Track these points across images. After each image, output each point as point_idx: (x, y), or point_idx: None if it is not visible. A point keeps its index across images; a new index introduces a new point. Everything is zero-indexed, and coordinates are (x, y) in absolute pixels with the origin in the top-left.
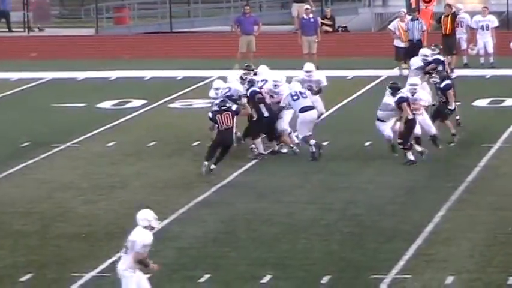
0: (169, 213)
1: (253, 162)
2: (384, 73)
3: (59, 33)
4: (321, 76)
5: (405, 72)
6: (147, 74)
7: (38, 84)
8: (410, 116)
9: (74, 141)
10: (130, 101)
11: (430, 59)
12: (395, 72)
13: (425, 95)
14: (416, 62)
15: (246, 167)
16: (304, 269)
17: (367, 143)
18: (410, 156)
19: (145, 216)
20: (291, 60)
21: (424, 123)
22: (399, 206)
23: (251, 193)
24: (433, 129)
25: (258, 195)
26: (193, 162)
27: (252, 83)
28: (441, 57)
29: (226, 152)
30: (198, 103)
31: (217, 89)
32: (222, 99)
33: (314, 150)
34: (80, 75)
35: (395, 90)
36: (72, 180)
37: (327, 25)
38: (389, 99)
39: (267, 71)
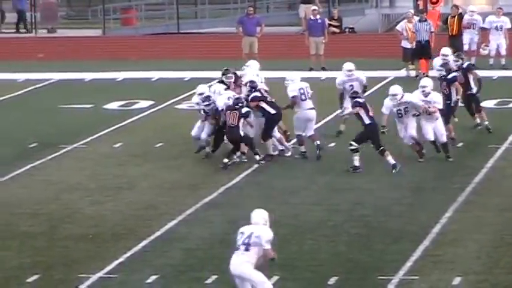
0: (176, 214)
1: (260, 163)
2: (391, 74)
3: (66, 34)
4: (361, 75)
5: (412, 73)
6: (155, 75)
7: (45, 85)
8: (367, 121)
9: (81, 142)
10: (137, 102)
11: (449, 58)
12: (402, 73)
13: (438, 97)
14: (437, 61)
15: (253, 168)
16: (311, 270)
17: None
18: (356, 162)
19: (264, 216)
20: (298, 61)
21: (437, 129)
22: (406, 207)
23: (258, 194)
24: (444, 137)
25: (265, 196)
26: (200, 163)
27: (253, 87)
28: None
29: (237, 148)
30: None
31: (200, 94)
32: (237, 97)
33: (305, 150)
34: (87, 76)
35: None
36: (79, 181)
37: (334, 26)
38: (387, 101)
39: (256, 66)
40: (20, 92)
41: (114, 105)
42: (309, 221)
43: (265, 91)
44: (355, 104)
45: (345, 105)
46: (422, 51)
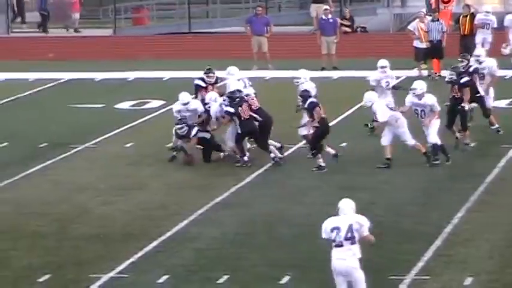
0: (187, 215)
1: (272, 163)
2: (403, 74)
3: (77, 34)
4: (392, 73)
5: (424, 73)
6: (166, 74)
7: (56, 84)
8: (315, 123)
9: (92, 142)
10: (148, 102)
11: (482, 59)
12: (414, 73)
13: (432, 99)
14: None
15: (265, 167)
16: (323, 270)
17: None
18: (321, 162)
19: (353, 205)
20: (310, 61)
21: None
22: (418, 207)
23: (270, 194)
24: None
25: (277, 196)
26: (212, 163)
27: (232, 98)
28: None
29: (261, 139)
30: None
31: (185, 104)
32: (232, 91)
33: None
34: (98, 75)
35: (305, 98)
36: (90, 181)
37: (346, 26)
38: (409, 98)
39: (238, 72)
40: (30, 92)
41: (125, 105)
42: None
43: (252, 98)
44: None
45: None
46: (435, 51)
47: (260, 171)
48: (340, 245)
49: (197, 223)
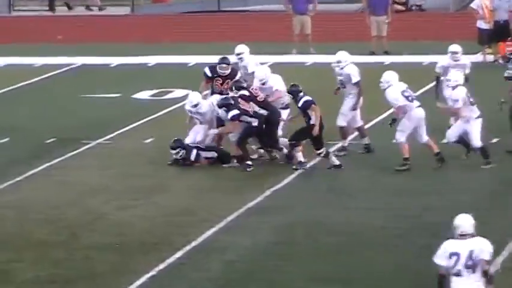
0: (216, 221)
1: (314, 162)
2: (465, 59)
3: (89, 13)
4: (467, 60)
5: (490, 58)
6: (191, 59)
7: (66, 71)
8: (313, 121)
9: (106, 138)
10: (171, 91)
11: None
12: (478, 58)
13: (459, 93)
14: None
15: (305, 167)
16: (371, 285)
17: (443, 141)
18: (300, 157)
19: (472, 222)
20: (357, 44)
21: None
22: (482, 212)
23: (310, 197)
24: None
25: (318, 200)
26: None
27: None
28: None
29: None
30: None
31: (195, 106)
32: (224, 97)
33: (368, 142)
34: (114, 60)
35: (295, 93)
36: (103, 182)
37: (398, 3)
38: (447, 92)
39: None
40: (36, 79)
41: (144, 95)
42: (368, 228)
43: (255, 89)
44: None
45: (445, 94)
46: (501, 33)
47: (300, 171)
48: (457, 274)
49: (227, 231)
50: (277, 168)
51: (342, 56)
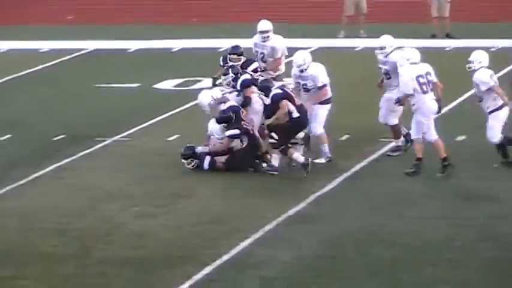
0: (251, 232)
1: (364, 163)
2: None
3: None
4: None
5: None
6: (222, 43)
7: (77, 56)
8: (296, 115)
9: (123, 134)
10: (199, 81)
11: None
12: None
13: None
14: None
15: (355, 169)
16: None
17: None
18: (275, 161)
19: None
20: (416, 26)
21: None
22: None
23: (361, 205)
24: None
25: (370, 207)
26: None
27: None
28: None
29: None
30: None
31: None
32: (224, 109)
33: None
34: (132, 45)
35: (266, 90)
36: (120, 186)
37: None
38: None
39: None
40: (42, 66)
41: (167, 85)
42: (430, 240)
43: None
44: None
45: None
46: None
47: (349, 173)
48: None
49: (264, 243)
50: (319, 171)
51: (386, 40)
